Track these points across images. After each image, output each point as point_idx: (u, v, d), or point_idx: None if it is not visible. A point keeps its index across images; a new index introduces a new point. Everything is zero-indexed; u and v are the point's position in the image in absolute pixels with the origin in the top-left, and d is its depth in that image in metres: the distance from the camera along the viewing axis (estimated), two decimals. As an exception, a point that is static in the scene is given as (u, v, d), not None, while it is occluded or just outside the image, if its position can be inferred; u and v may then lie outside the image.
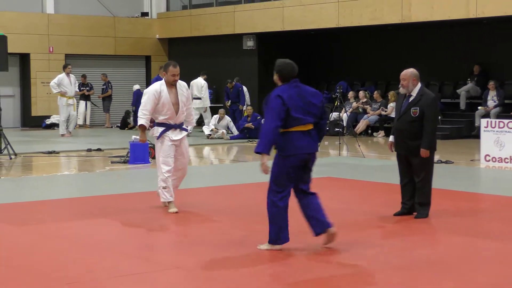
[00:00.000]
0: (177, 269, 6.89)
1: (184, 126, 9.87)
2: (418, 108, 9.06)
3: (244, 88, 23.96)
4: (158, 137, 9.63)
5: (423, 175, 9.10)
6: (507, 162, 15.03)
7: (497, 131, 15.25)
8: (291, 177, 7.41)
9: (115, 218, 9.41)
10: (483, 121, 15.87)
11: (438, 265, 6.88)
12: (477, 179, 13.78)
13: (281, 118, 7.24)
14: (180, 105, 9.67)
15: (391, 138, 9.57)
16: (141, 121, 9.64)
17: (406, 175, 9.28)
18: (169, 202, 9.69)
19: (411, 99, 9.16)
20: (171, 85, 9.64)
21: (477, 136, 17.11)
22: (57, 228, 8.86)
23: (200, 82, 23.10)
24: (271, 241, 7.49)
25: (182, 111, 9.72)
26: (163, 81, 9.70)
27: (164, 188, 9.63)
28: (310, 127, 7.43)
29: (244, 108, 23.59)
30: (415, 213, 9.24)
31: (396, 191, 10.96)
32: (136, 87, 26.23)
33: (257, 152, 7.27)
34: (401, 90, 9.29)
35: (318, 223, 7.57)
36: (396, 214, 9.30)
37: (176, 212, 9.56)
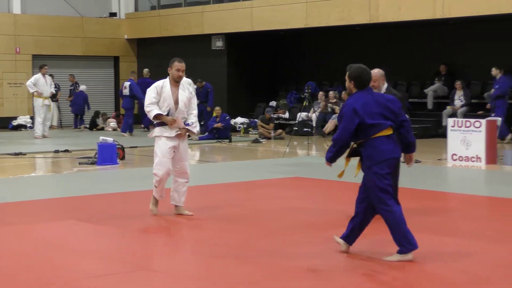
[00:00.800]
0: (148, 270, 6.86)
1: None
2: None
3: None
4: (156, 135, 9.38)
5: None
6: (474, 161, 15.18)
7: (463, 131, 15.39)
8: (389, 183, 7.12)
9: (84, 219, 9.34)
10: (450, 121, 16.00)
11: (407, 263, 6.93)
12: (444, 178, 13.88)
13: (351, 132, 7.06)
14: (179, 104, 9.30)
15: None
16: (153, 112, 9.22)
17: None
18: (156, 200, 9.47)
19: None
20: (176, 82, 9.36)
21: (444, 135, 17.25)
22: (25, 230, 8.77)
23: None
24: (403, 251, 7.03)
25: (181, 111, 9.33)
26: (168, 78, 9.42)
27: (155, 186, 9.39)
28: (391, 131, 7.16)
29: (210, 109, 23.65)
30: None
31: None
32: (83, 87, 26.17)
33: (326, 159, 7.41)
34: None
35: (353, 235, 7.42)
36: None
37: (155, 214, 9.39)
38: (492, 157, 15.25)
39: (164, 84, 9.35)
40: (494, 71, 20.02)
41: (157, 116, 9.24)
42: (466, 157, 15.29)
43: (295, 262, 7.08)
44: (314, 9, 22.73)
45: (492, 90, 20.14)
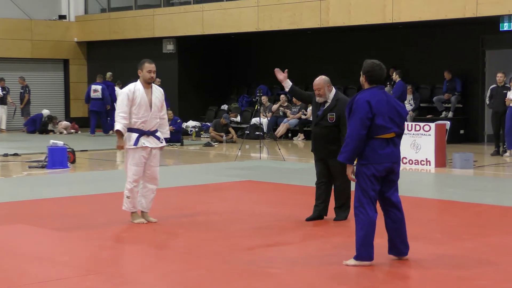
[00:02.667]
0: (98, 274, 6.82)
1: (157, 134, 9.19)
2: (334, 113, 9.05)
3: None
4: (135, 144, 8.97)
5: (341, 179, 9.07)
6: (423, 164, 15.36)
7: (413, 134, 15.57)
8: (375, 187, 6.99)
9: (34, 223, 9.25)
10: (400, 124, 16.14)
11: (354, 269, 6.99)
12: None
13: (366, 126, 6.87)
14: (153, 108, 9.02)
15: None
16: (117, 126, 8.91)
17: (323, 177, 9.32)
18: (132, 212, 9.16)
19: (326, 105, 9.14)
20: (147, 84, 9.03)
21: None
22: (-27, 234, 8.67)
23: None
24: (359, 258, 6.99)
25: (155, 116, 9.06)
26: (138, 81, 9.07)
27: (127, 197, 9.08)
28: (393, 135, 7.03)
29: None
30: (324, 216, 9.31)
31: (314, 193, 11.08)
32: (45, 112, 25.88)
33: (339, 160, 7.04)
34: (319, 100, 9.18)
35: (393, 246, 7.24)
36: (308, 219, 9.29)
37: (144, 223, 9.11)
38: (441, 160, 15.45)
39: (135, 88, 9.01)
40: (394, 76, 20.37)
41: (118, 133, 9.00)
42: (416, 160, 15.47)
43: (244, 265, 7.09)
44: (265, 13, 22.80)
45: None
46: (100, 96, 24.48)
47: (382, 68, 7.13)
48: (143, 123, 9.02)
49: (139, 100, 8.95)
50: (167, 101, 23.64)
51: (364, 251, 6.97)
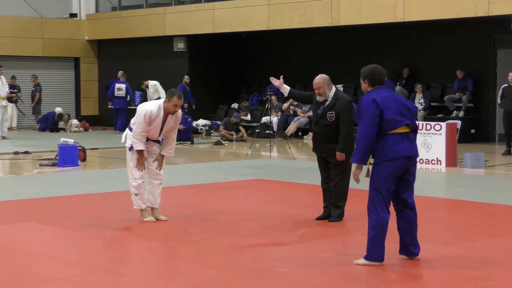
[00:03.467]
0: (106, 272, 6.83)
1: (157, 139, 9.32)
2: (333, 112, 9.04)
3: (159, 86, 23.88)
4: (130, 148, 9.08)
5: (338, 178, 9.10)
6: (434, 164, 15.33)
7: (424, 133, 15.52)
8: (390, 184, 6.93)
9: (44, 221, 9.27)
10: (411, 124, 16.11)
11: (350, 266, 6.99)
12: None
13: (375, 124, 6.85)
14: (162, 132, 9.16)
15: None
16: (139, 146, 9.00)
17: (326, 177, 9.30)
18: (141, 210, 9.20)
19: (326, 103, 9.13)
20: (168, 113, 9.02)
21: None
22: (-17, 232, 8.70)
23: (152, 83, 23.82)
24: (369, 258, 6.97)
25: (161, 135, 9.23)
26: (161, 105, 9.00)
27: (136, 194, 9.11)
28: (407, 129, 6.98)
29: None
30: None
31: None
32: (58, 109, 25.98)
33: (353, 162, 7.01)
34: (319, 98, 9.16)
35: (404, 246, 7.23)
36: (318, 218, 9.31)
37: (153, 221, 9.13)
38: (452, 159, 15.41)
39: (158, 113, 8.97)
40: None
41: (140, 153, 9.04)
42: (426, 159, 15.43)
43: (253, 265, 7.09)
44: (276, 12, 22.79)
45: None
46: (124, 95, 24.73)
47: (381, 70, 7.20)
48: (148, 137, 9.15)
49: (155, 124, 9.02)
50: (192, 99, 23.83)
51: (375, 251, 6.95)
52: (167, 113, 9.01)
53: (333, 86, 9.22)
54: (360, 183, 7.09)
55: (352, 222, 9.19)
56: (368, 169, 7.08)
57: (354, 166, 7.07)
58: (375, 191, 6.96)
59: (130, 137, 9.13)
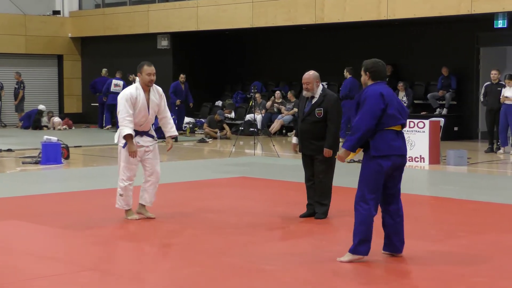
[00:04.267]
0: (92, 270, 6.80)
1: (150, 133, 9.13)
2: (322, 108, 9.07)
3: None
4: (124, 146, 8.82)
5: (322, 175, 9.13)
6: (417, 161, 15.37)
7: (407, 131, 15.52)
8: (382, 181, 6.96)
9: (27, 219, 9.23)
10: (394, 121, 16.14)
11: (347, 265, 6.99)
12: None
13: (377, 117, 6.86)
14: (150, 112, 8.94)
15: (294, 139, 9.60)
16: (127, 130, 8.70)
17: (311, 175, 9.29)
18: (126, 210, 9.11)
19: (314, 100, 9.15)
20: (147, 87, 8.89)
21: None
22: (-34, 230, 8.64)
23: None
24: (355, 252, 6.98)
25: (151, 119, 9.02)
26: (138, 84, 8.91)
27: (121, 195, 9.00)
28: (400, 128, 7.04)
29: None
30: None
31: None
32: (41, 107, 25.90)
33: (344, 148, 7.00)
34: (306, 94, 9.20)
35: (390, 243, 7.25)
36: (302, 216, 9.31)
37: (136, 219, 9.04)
38: (435, 157, 15.46)
39: (137, 92, 8.85)
40: (345, 73, 20.69)
41: (128, 137, 8.73)
42: (410, 157, 15.45)
43: (240, 262, 7.08)
44: (260, 9, 22.77)
45: None
46: (119, 91, 24.71)
47: (384, 65, 7.22)
48: (139, 126, 8.95)
49: (140, 105, 8.85)
50: (190, 95, 23.84)
51: (363, 246, 6.96)
52: (147, 90, 8.91)
53: (321, 84, 9.25)
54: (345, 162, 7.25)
55: (337, 219, 9.20)
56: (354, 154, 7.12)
57: (342, 150, 7.08)
58: (367, 185, 6.97)
59: (117, 134, 9.00)
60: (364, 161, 7.03)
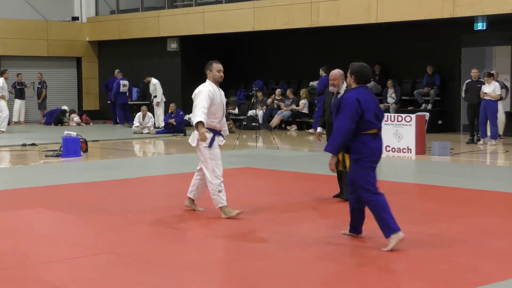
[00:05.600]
0: (107, 253, 6.84)
1: (222, 133, 8.64)
2: None
3: (159, 85, 23.86)
4: (210, 145, 8.32)
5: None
6: (405, 152, 15.39)
7: (396, 125, 15.58)
8: (373, 175, 7.00)
9: (50, 207, 9.27)
10: (384, 116, 16.16)
11: (341, 251, 7.00)
12: (379, 168, 14.00)
13: (355, 121, 6.86)
14: (224, 108, 8.49)
15: (319, 129, 9.74)
16: (199, 118, 8.06)
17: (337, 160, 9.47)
18: (224, 207, 8.40)
19: (339, 95, 9.27)
20: (217, 83, 8.40)
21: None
22: (-6, 218, 8.68)
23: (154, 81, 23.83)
24: (394, 231, 6.87)
25: (224, 116, 8.56)
26: (210, 82, 8.39)
27: (219, 192, 8.34)
28: (376, 131, 7.07)
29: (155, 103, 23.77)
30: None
31: (307, 179, 11.13)
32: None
33: (326, 151, 7.03)
34: (332, 89, 9.40)
35: (355, 225, 7.34)
36: (335, 196, 9.57)
37: (239, 213, 8.40)
38: (421, 148, 15.47)
39: (213, 88, 8.31)
40: (321, 71, 21.06)
41: (198, 124, 8.11)
42: (398, 148, 15.49)
43: (244, 246, 7.11)
44: (261, 14, 22.77)
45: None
46: (127, 90, 25.01)
47: (369, 69, 7.21)
48: (218, 123, 8.45)
49: (217, 101, 8.35)
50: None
51: (393, 224, 6.90)
52: (216, 84, 8.43)
53: (345, 81, 9.33)
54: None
55: (341, 205, 9.22)
56: (339, 160, 7.12)
57: (329, 155, 7.10)
58: (364, 181, 6.97)
59: (196, 137, 8.37)
60: (353, 163, 7.03)
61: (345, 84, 9.34)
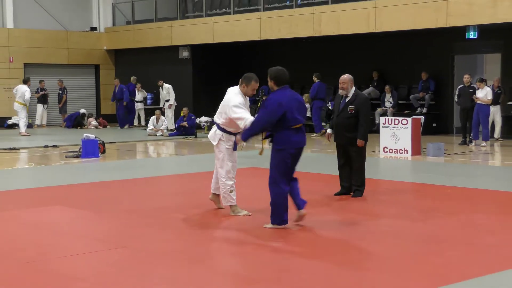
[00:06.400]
0: (124, 248, 6.82)
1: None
2: (354, 106, 9.35)
3: (172, 90, 23.86)
4: (235, 148, 8.30)
5: (359, 161, 9.44)
6: (402, 153, 15.34)
7: (393, 127, 15.54)
8: (289, 166, 7.40)
9: (70, 204, 9.26)
10: (382, 119, 16.14)
11: (345, 242, 6.96)
12: (377, 167, 13.96)
13: (272, 121, 7.26)
14: None
15: (329, 130, 9.79)
16: (249, 121, 7.72)
17: (341, 159, 9.60)
18: (234, 205, 8.32)
19: (347, 99, 9.45)
20: (246, 95, 8.18)
21: (377, 131, 17.37)
22: (18, 214, 8.67)
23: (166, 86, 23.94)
24: (274, 222, 7.48)
25: None
26: (241, 92, 8.17)
27: (231, 192, 8.29)
28: (301, 125, 7.43)
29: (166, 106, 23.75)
30: (351, 193, 9.57)
31: (311, 178, 11.11)
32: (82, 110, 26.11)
33: (240, 138, 7.56)
34: (341, 92, 9.52)
35: (295, 202, 7.66)
36: (336, 194, 9.60)
37: (246, 215, 8.26)
38: (417, 149, 15.42)
39: (243, 99, 8.12)
40: (314, 78, 21.19)
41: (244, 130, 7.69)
42: (395, 149, 15.44)
43: (250, 240, 7.08)
44: (266, 24, 22.75)
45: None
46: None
47: (286, 72, 7.61)
48: (239, 128, 8.05)
49: (246, 107, 8.19)
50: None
51: (277, 218, 7.40)
52: (244, 95, 8.18)
53: (353, 86, 9.47)
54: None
55: (348, 203, 9.18)
56: (262, 149, 7.79)
57: (238, 137, 7.68)
58: (278, 171, 7.38)
59: (218, 136, 8.28)
60: (272, 153, 7.44)
61: (353, 88, 9.43)
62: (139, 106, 25.99)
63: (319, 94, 20.93)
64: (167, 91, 23.82)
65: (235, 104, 7.93)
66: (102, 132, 21.93)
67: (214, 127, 8.40)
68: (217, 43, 24.52)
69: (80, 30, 28.40)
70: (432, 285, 5.45)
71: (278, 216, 7.43)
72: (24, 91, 21.56)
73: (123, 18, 28.90)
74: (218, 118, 8.32)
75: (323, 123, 22.10)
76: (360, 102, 9.35)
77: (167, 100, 23.88)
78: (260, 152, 8.03)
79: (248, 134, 7.45)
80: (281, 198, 7.38)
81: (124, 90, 25.50)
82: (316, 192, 9.98)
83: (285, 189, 7.40)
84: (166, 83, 24.22)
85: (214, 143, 8.35)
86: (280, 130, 7.32)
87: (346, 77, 9.45)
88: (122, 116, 25.56)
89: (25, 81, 22.10)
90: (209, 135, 8.55)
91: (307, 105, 22.55)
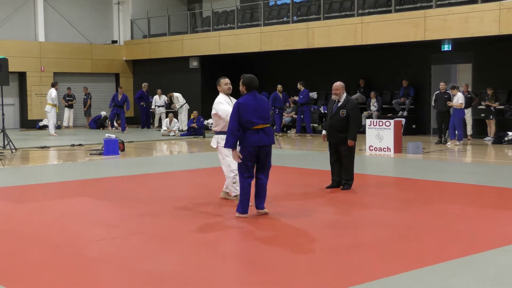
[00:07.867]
0: (140, 234, 6.83)
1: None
2: (345, 110, 9.35)
3: (180, 97, 23.69)
4: (241, 146, 7.93)
5: (348, 159, 9.45)
6: (385, 151, 15.33)
7: (377, 128, 15.52)
8: (249, 161, 7.35)
9: (94, 196, 9.27)
10: (368, 121, 16.13)
11: (341, 233, 6.94)
12: (363, 164, 13.97)
13: (237, 122, 7.25)
14: None
15: (324, 132, 9.82)
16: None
17: (333, 155, 9.60)
18: (238, 195, 8.14)
19: (339, 104, 9.45)
20: (228, 94, 8.31)
21: (363, 132, 17.37)
22: (48, 204, 8.68)
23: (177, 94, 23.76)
24: (242, 212, 7.46)
25: None
26: (222, 94, 8.30)
27: (234, 183, 8.35)
28: (262, 126, 7.36)
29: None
30: (341, 186, 9.57)
31: (307, 173, 11.10)
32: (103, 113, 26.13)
33: (226, 148, 7.47)
34: (334, 97, 9.51)
35: (258, 201, 7.63)
36: (328, 187, 9.59)
37: (250, 205, 8.05)
38: (399, 148, 15.41)
39: (225, 98, 8.25)
40: (299, 86, 21.13)
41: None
42: (379, 148, 15.43)
43: (251, 229, 7.07)
44: (266, 38, 22.76)
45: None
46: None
47: (256, 80, 7.61)
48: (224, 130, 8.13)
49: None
50: (289, 101, 23.39)
51: (242, 207, 7.40)
52: (228, 97, 8.32)
53: (345, 92, 9.49)
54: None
55: (338, 195, 9.17)
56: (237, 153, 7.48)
57: (230, 150, 7.63)
58: (241, 164, 7.38)
59: (215, 140, 8.41)
60: (240, 151, 7.39)
61: (345, 94, 9.41)
62: (161, 110, 25.53)
63: (306, 99, 21.06)
64: (176, 100, 23.69)
65: (216, 102, 8.24)
66: (121, 133, 21.93)
67: (214, 136, 8.55)
68: (222, 54, 24.52)
69: (103, 43, 28.40)
70: (412, 266, 5.46)
71: (243, 206, 7.42)
72: (51, 92, 21.64)
73: (140, 33, 28.91)
74: (214, 126, 8.54)
75: (315, 125, 22.13)
76: (351, 106, 9.35)
77: (181, 107, 23.78)
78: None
79: (228, 141, 7.29)
80: (244, 189, 7.36)
81: (137, 97, 25.49)
82: (311, 185, 9.99)
83: (246, 181, 7.35)
84: (175, 91, 24.11)
85: (214, 146, 8.56)
86: (243, 131, 7.33)
87: (338, 84, 9.44)
88: (144, 119, 25.63)
89: (53, 85, 22.11)
90: (211, 143, 8.71)
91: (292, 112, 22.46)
